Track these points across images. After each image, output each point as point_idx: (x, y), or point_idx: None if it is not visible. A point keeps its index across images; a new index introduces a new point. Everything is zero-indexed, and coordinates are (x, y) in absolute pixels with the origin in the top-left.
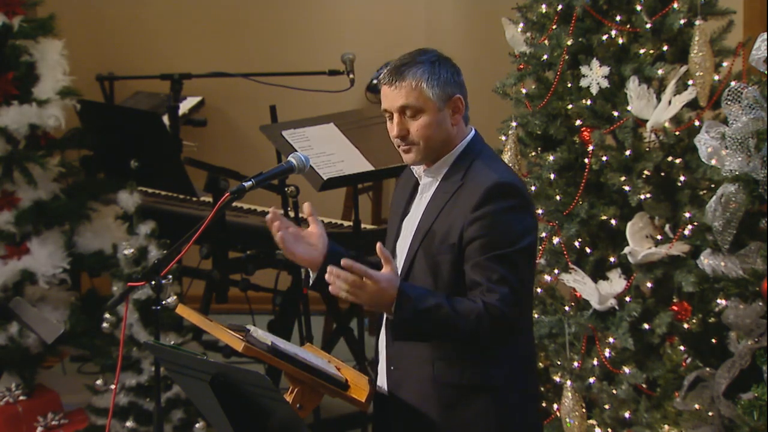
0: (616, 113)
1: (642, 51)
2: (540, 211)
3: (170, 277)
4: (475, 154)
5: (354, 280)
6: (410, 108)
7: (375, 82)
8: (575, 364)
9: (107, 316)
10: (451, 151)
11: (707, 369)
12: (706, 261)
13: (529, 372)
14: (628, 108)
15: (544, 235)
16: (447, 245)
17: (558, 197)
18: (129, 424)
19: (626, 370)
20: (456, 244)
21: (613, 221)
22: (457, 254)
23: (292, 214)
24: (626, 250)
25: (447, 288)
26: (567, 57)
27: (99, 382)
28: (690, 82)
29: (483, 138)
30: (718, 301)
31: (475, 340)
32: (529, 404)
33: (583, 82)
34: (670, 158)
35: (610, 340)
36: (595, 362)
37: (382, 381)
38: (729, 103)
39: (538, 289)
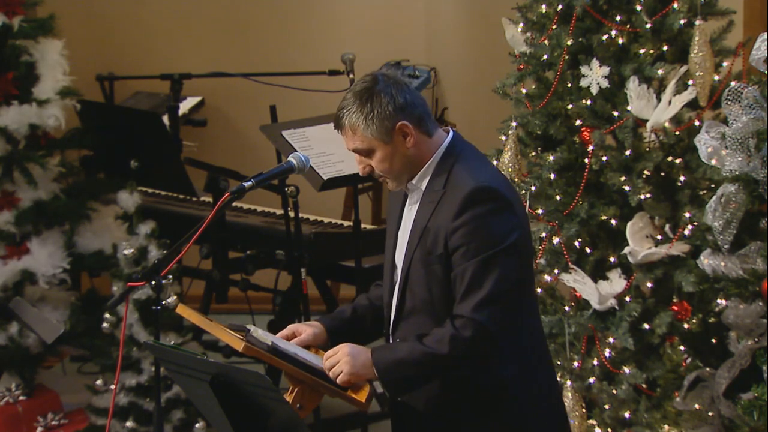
0: (616, 113)
1: (642, 51)
2: (540, 211)
3: (170, 277)
4: (455, 157)
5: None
6: (361, 150)
7: None
8: (575, 364)
9: (107, 316)
10: (427, 162)
11: (707, 369)
12: (706, 261)
13: (540, 369)
14: (628, 108)
15: (544, 235)
16: (435, 256)
17: (558, 197)
18: (129, 424)
19: (626, 370)
20: (443, 253)
21: (613, 221)
22: (445, 264)
23: (292, 214)
24: (626, 250)
25: (443, 297)
26: (567, 57)
27: (99, 382)
28: (690, 82)
29: (462, 137)
30: (718, 301)
31: (463, 360)
32: (542, 401)
33: (583, 82)
34: (670, 158)
35: (610, 340)
36: (595, 362)
37: None
38: (729, 103)
39: (539, 289)
